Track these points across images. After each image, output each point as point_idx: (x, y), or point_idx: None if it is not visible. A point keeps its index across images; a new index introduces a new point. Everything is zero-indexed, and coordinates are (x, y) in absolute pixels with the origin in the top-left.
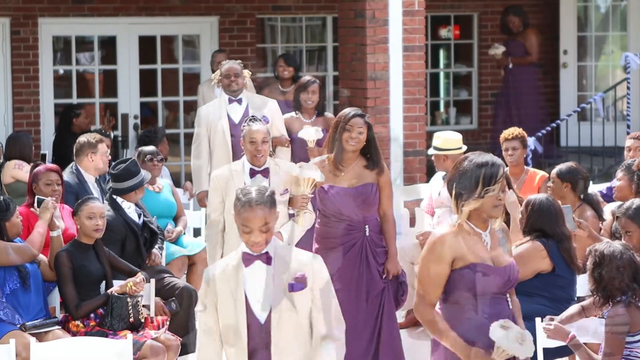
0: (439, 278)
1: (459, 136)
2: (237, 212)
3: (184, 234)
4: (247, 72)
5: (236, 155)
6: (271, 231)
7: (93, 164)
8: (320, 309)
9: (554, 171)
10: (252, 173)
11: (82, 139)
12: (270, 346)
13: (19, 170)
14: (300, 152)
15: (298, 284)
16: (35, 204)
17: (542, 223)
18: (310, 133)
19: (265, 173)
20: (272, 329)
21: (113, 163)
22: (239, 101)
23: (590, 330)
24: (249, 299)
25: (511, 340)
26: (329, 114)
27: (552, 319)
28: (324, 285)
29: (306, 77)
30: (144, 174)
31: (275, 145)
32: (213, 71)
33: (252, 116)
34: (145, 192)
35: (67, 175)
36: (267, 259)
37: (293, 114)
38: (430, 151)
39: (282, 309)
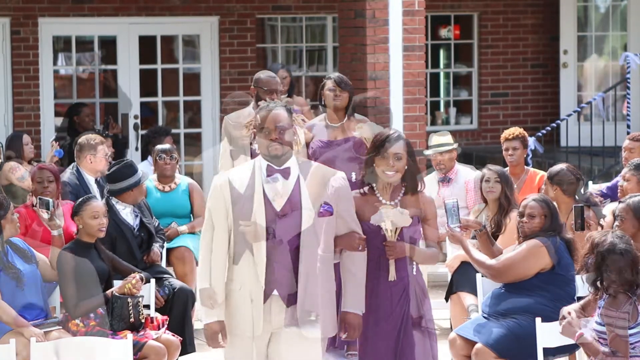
0: None
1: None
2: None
3: (196, 233)
4: (298, 118)
5: (272, 273)
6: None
7: (92, 166)
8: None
9: (547, 173)
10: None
11: (82, 140)
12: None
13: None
14: (375, 242)
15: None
16: (38, 204)
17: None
18: (394, 218)
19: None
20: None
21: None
22: (285, 172)
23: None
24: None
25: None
26: (427, 194)
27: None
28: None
29: (385, 131)
30: (141, 175)
31: (341, 249)
32: (256, 96)
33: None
34: (153, 191)
35: (67, 175)
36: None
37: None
38: (430, 151)
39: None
